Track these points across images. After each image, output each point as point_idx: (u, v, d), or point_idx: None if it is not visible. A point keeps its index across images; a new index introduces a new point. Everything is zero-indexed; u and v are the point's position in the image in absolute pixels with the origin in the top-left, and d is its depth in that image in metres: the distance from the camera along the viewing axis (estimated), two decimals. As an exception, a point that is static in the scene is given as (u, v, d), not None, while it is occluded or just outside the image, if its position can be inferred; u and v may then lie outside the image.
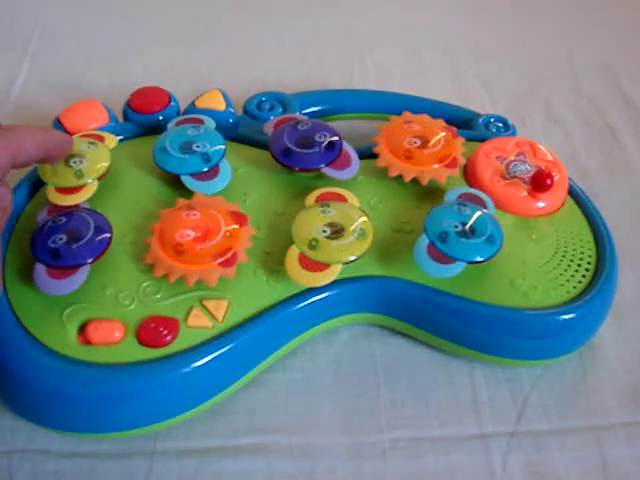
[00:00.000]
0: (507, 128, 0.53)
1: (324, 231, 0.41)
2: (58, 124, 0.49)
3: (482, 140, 0.49)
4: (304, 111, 0.54)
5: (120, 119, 0.51)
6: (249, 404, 0.43)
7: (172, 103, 0.51)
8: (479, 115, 0.54)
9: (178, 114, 0.51)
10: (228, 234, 0.41)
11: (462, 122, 0.53)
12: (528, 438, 0.42)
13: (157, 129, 0.49)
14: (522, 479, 0.40)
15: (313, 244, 0.41)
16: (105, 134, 0.47)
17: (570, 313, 0.41)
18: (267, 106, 0.53)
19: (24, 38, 0.71)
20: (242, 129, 0.51)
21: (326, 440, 0.42)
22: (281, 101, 0.53)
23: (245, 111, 0.53)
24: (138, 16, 0.75)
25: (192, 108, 0.51)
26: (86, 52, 0.70)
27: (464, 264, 0.40)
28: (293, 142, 0.46)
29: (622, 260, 0.45)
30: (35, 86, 0.65)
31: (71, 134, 0.48)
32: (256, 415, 0.43)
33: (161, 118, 0.50)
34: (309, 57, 0.70)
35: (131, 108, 0.51)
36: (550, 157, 0.48)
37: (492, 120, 0.53)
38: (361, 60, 0.70)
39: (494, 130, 0.53)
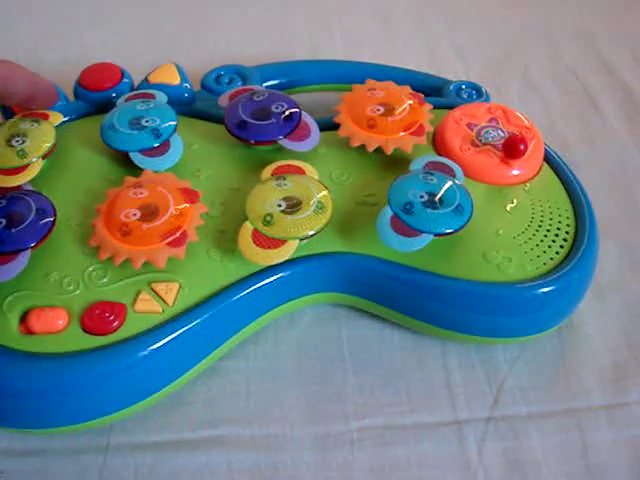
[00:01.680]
0: (480, 95, 0.51)
1: (279, 205, 0.39)
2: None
3: (453, 107, 0.47)
4: (265, 84, 0.52)
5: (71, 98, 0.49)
6: (207, 394, 0.41)
7: (125, 79, 0.49)
8: (450, 82, 0.52)
9: (132, 90, 0.49)
10: (177, 212, 0.39)
11: (432, 90, 0.51)
12: (505, 424, 0.40)
13: (109, 107, 0.46)
14: (499, 468, 0.39)
15: (268, 219, 0.38)
16: (50, 112, 0.45)
17: (547, 287, 0.39)
18: (226, 80, 0.51)
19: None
20: (198, 104, 0.49)
21: (290, 431, 0.40)
22: (240, 74, 0.51)
23: (203, 85, 0.51)
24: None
25: (145, 83, 0.49)
26: (39, 27, 0.68)
27: (431, 236, 0.38)
28: (248, 114, 0.44)
29: (603, 232, 0.43)
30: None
31: (16, 113, 0.46)
32: (215, 406, 0.41)
33: (114, 95, 0.48)
34: (273, 28, 0.68)
35: (82, 86, 0.48)
36: (525, 122, 0.45)
37: (463, 87, 0.51)
38: (328, 29, 0.68)
39: (466, 97, 0.51)
